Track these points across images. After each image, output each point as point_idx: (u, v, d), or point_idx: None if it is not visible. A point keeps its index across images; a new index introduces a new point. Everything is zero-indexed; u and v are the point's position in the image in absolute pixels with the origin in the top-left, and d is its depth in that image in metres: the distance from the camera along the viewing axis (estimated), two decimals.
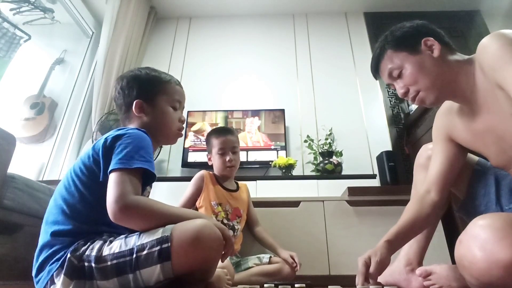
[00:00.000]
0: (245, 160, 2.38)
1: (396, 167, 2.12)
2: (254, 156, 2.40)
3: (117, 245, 0.65)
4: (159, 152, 2.41)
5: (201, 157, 2.35)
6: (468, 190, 0.96)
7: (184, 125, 1.09)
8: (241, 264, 1.33)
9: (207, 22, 3.16)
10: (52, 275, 0.64)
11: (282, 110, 2.55)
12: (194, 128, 2.49)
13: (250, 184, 1.98)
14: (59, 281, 0.63)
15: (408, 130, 2.48)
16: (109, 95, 2.47)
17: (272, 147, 2.42)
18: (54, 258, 0.66)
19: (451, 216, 1.58)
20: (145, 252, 0.62)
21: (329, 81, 2.80)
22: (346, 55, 2.91)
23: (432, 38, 0.83)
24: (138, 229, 0.67)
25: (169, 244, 0.61)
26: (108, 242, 0.66)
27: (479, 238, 0.57)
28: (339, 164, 2.23)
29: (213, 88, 2.83)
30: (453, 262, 0.73)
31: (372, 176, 2.13)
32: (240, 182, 1.53)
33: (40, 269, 0.68)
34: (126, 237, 0.66)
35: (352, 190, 1.65)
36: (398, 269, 1.01)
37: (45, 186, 1.16)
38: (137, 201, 0.66)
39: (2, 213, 0.97)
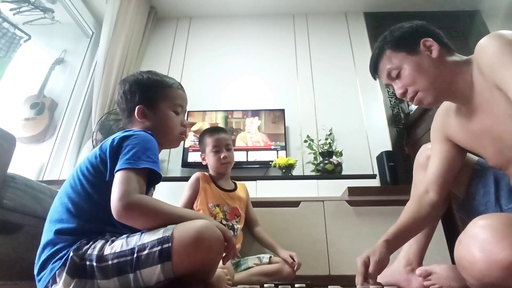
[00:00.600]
0: (245, 160, 2.38)
1: (396, 167, 2.12)
2: (254, 156, 2.40)
3: (118, 245, 0.65)
4: (159, 152, 2.41)
5: None
6: (467, 190, 0.96)
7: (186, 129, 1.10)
8: (241, 264, 1.33)
9: (207, 22, 3.16)
10: (55, 273, 0.64)
11: (282, 110, 2.55)
12: (194, 128, 2.49)
13: (250, 184, 1.98)
14: (60, 280, 0.63)
15: (408, 130, 2.48)
16: (109, 95, 2.47)
17: (272, 147, 2.42)
18: (57, 257, 0.66)
19: (451, 216, 1.58)
20: (146, 252, 0.62)
21: (329, 81, 2.81)
22: (346, 55, 2.92)
23: (431, 39, 0.83)
24: (140, 227, 0.68)
25: (170, 244, 0.61)
26: (110, 241, 0.67)
27: (479, 238, 0.57)
28: (339, 164, 2.23)
29: (213, 88, 2.83)
30: (453, 262, 0.73)
31: (372, 176, 2.13)
32: (238, 182, 1.53)
33: (42, 267, 0.68)
34: (127, 237, 0.66)
35: (352, 190, 1.65)
36: (398, 269, 1.01)
37: (45, 186, 1.16)
38: (141, 199, 0.67)
39: (2, 213, 0.97)
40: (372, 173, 2.33)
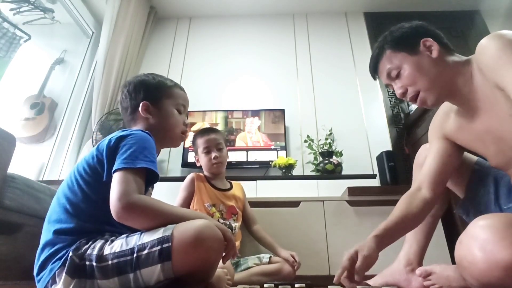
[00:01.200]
0: (245, 160, 2.38)
1: (396, 167, 2.12)
2: (254, 156, 2.40)
3: (118, 245, 0.65)
4: (159, 152, 2.41)
5: None
6: (467, 190, 0.96)
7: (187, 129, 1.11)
8: (241, 264, 1.33)
9: (207, 22, 3.16)
10: (54, 273, 0.64)
11: (282, 110, 2.55)
12: (194, 128, 2.49)
13: (250, 184, 1.99)
14: (60, 280, 0.63)
15: (408, 130, 2.48)
16: (109, 95, 2.47)
17: (272, 147, 2.42)
18: (56, 257, 0.66)
19: (451, 216, 1.58)
20: (145, 251, 0.62)
21: (329, 81, 2.80)
22: (346, 55, 2.91)
23: (431, 39, 0.83)
24: (140, 228, 0.67)
25: (170, 244, 0.61)
26: (109, 241, 0.67)
27: (479, 238, 0.56)
28: (339, 164, 2.23)
29: (213, 88, 2.83)
30: (453, 262, 0.73)
31: (372, 176, 2.13)
32: (234, 182, 1.53)
33: (42, 267, 0.68)
34: (127, 237, 0.66)
35: (352, 190, 1.65)
36: (398, 269, 1.01)
37: (45, 186, 1.16)
38: (140, 200, 0.66)
39: (2, 213, 0.97)
40: (372, 173, 2.33)
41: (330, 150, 2.32)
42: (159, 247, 0.62)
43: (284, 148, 2.40)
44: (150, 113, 0.87)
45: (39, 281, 0.68)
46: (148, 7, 2.96)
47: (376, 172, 2.26)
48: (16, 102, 2.63)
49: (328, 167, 2.20)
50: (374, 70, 0.92)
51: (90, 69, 2.90)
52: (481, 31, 2.87)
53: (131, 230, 0.69)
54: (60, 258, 0.65)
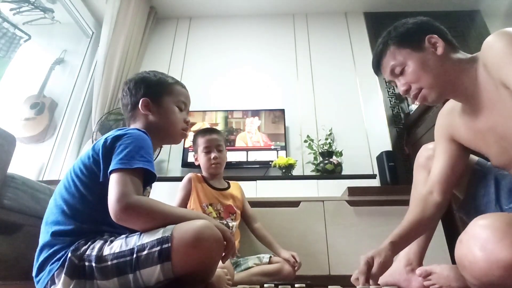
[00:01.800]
0: (245, 160, 2.38)
1: (396, 167, 2.12)
2: (254, 156, 2.40)
3: (117, 245, 0.65)
4: (159, 152, 2.41)
5: None
6: (467, 190, 0.96)
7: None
8: (241, 264, 1.33)
9: (207, 22, 3.16)
10: (53, 274, 0.64)
11: (282, 110, 2.55)
12: (194, 128, 2.49)
13: (250, 184, 1.99)
14: (59, 281, 0.63)
15: (408, 130, 2.48)
16: (109, 95, 2.47)
17: (272, 147, 2.42)
18: (55, 258, 0.66)
19: (451, 216, 1.58)
20: (145, 252, 0.62)
21: (329, 81, 2.80)
22: (346, 55, 2.91)
23: (436, 36, 0.82)
24: (139, 229, 0.67)
25: (170, 244, 0.61)
26: (108, 242, 0.66)
27: (480, 238, 0.56)
28: (339, 164, 2.23)
29: (213, 88, 2.83)
30: (453, 262, 0.73)
31: (372, 176, 2.13)
32: (232, 182, 1.54)
33: (41, 269, 0.67)
34: (126, 237, 0.66)
35: (352, 190, 1.65)
36: (398, 269, 1.01)
37: (45, 186, 1.16)
38: (139, 201, 0.66)
39: (2, 213, 0.97)
40: (372, 173, 2.33)
41: (330, 150, 2.32)
42: (158, 248, 0.61)
43: (284, 148, 2.40)
44: (150, 110, 0.86)
45: (38, 282, 0.68)
46: (148, 7, 2.96)
47: (376, 172, 2.26)
48: (16, 102, 2.63)
49: (328, 167, 2.20)
50: (377, 67, 0.91)
51: (90, 69, 2.90)
52: (481, 31, 2.87)
53: (130, 231, 0.68)
54: (58, 259, 0.65)
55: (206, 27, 3.14)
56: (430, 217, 0.90)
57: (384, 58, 0.87)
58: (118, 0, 2.67)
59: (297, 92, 2.78)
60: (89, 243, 0.66)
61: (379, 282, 0.98)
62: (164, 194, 1.95)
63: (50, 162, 2.45)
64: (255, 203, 1.60)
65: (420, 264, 0.99)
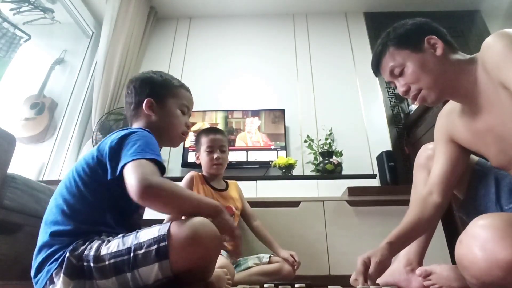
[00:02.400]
0: (245, 160, 2.38)
1: (396, 167, 2.12)
2: (254, 156, 2.40)
3: (114, 245, 0.65)
4: (160, 150, 2.41)
5: None
6: (468, 190, 0.96)
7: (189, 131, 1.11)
8: (241, 263, 1.33)
9: (207, 22, 3.16)
10: (51, 274, 0.64)
11: (282, 110, 2.55)
12: (194, 128, 2.49)
13: (250, 184, 1.99)
14: (59, 281, 0.63)
15: (408, 130, 2.48)
16: (109, 95, 2.47)
17: (272, 147, 2.42)
18: (53, 258, 0.66)
19: (451, 216, 1.58)
20: (142, 251, 0.62)
21: (329, 81, 2.80)
22: (346, 55, 2.91)
23: (435, 37, 0.82)
24: (159, 209, 0.67)
25: (166, 242, 0.62)
26: (106, 241, 0.66)
27: (480, 238, 0.56)
28: (339, 164, 2.23)
29: (213, 88, 2.83)
30: (453, 262, 0.73)
31: (372, 176, 2.13)
32: (229, 181, 1.53)
33: (39, 269, 0.67)
34: (123, 237, 0.66)
35: (352, 190, 1.65)
36: (398, 269, 1.01)
37: (45, 186, 1.16)
38: (162, 181, 0.66)
39: (2, 213, 0.97)
40: (372, 173, 2.33)
41: (330, 150, 2.33)
42: (156, 246, 0.62)
43: (284, 148, 2.40)
44: (153, 110, 0.87)
45: (36, 282, 0.68)
46: (148, 7, 2.96)
47: (376, 172, 2.26)
48: (16, 102, 2.63)
49: (328, 167, 2.20)
50: (377, 67, 0.91)
51: (90, 69, 2.90)
52: (481, 31, 2.87)
53: (128, 230, 0.69)
54: (57, 259, 0.65)
55: (206, 27, 3.14)
56: (429, 218, 0.90)
57: (384, 59, 0.87)
58: (118, 0, 2.67)
59: (297, 92, 2.78)
60: (87, 243, 0.66)
61: (379, 282, 0.98)
62: None
63: (50, 162, 2.45)
64: (255, 203, 1.60)
65: (420, 264, 0.99)
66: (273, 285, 0.98)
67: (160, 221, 0.78)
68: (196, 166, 2.33)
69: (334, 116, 2.64)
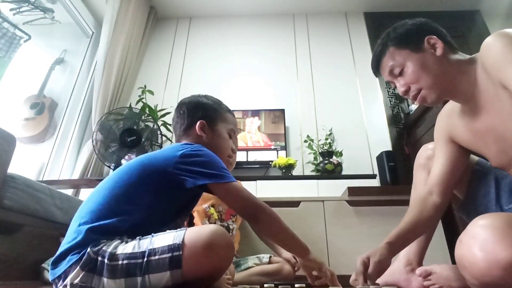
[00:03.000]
0: (245, 160, 2.38)
1: (396, 167, 2.12)
2: (254, 156, 2.40)
3: (131, 246, 0.64)
4: None
5: None
6: (468, 190, 0.96)
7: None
8: (241, 264, 1.33)
9: (207, 22, 3.16)
10: (71, 264, 0.64)
11: (282, 110, 2.55)
12: None
13: (250, 184, 1.99)
14: (73, 271, 0.63)
15: (408, 130, 2.48)
16: (109, 95, 2.47)
17: (272, 147, 2.42)
18: (77, 250, 0.65)
19: (451, 216, 1.58)
20: (156, 257, 0.62)
21: (329, 81, 2.80)
22: (346, 55, 2.91)
23: (435, 37, 0.82)
24: (259, 230, 0.81)
25: (181, 252, 0.61)
26: (124, 242, 0.66)
27: (479, 238, 0.56)
28: (339, 164, 2.23)
29: (213, 88, 2.82)
30: (453, 262, 0.73)
31: (372, 176, 2.13)
32: None
33: (61, 258, 0.67)
34: (140, 239, 0.66)
35: (352, 190, 1.65)
36: (398, 269, 1.01)
37: (45, 186, 1.16)
38: (267, 207, 0.80)
39: (2, 213, 0.97)
40: (372, 173, 2.33)
41: (330, 150, 2.32)
42: (169, 255, 0.61)
43: (284, 148, 2.40)
44: (205, 132, 0.92)
45: (54, 268, 0.67)
46: (148, 7, 2.96)
47: (376, 172, 2.26)
48: (16, 102, 2.63)
49: (328, 167, 2.20)
50: (377, 67, 0.91)
51: (90, 69, 2.90)
52: (481, 31, 2.87)
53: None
54: (79, 252, 0.65)
55: (206, 27, 3.14)
56: (428, 218, 0.90)
57: (383, 59, 0.87)
58: (118, 0, 2.67)
59: (297, 92, 2.78)
60: (109, 240, 0.66)
61: (379, 282, 0.98)
62: None
63: (50, 162, 2.45)
64: None
65: (420, 264, 0.99)
66: (273, 285, 0.98)
67: None
68: None
69: (334, 116, 2.64)
